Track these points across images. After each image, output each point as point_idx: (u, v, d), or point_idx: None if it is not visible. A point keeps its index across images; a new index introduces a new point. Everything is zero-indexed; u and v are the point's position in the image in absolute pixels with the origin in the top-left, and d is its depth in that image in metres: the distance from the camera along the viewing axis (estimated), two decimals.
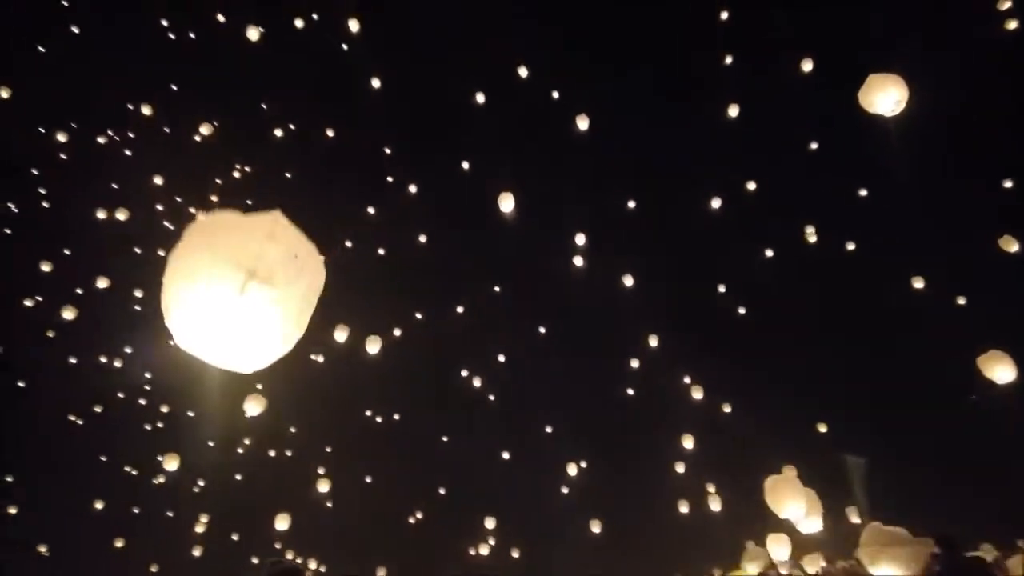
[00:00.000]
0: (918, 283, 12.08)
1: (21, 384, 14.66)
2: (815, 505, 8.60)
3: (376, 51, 12.78)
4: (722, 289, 14.53)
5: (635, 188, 14.38)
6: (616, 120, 13.97)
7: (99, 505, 14.58)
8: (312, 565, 14.80)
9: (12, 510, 14.27)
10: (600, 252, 14.50)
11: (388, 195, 14.43)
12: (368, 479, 15.41)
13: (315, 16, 12.56)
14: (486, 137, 13.63)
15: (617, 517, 14.45)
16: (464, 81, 13.20)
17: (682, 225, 14.31)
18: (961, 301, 12.36)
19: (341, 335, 13.71)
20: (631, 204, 14.26)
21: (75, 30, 13.60)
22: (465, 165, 14.00)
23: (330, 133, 13.86)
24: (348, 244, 14.68)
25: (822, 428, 13.61)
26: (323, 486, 14.50)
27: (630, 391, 15.03)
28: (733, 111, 12.11)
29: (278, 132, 14.04)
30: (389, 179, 14.71)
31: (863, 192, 13.46)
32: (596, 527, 14.65)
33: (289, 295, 2.65)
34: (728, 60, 12.57)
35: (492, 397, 15.80)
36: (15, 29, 13.22)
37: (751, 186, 13.30)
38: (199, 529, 14.69)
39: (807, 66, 10.88)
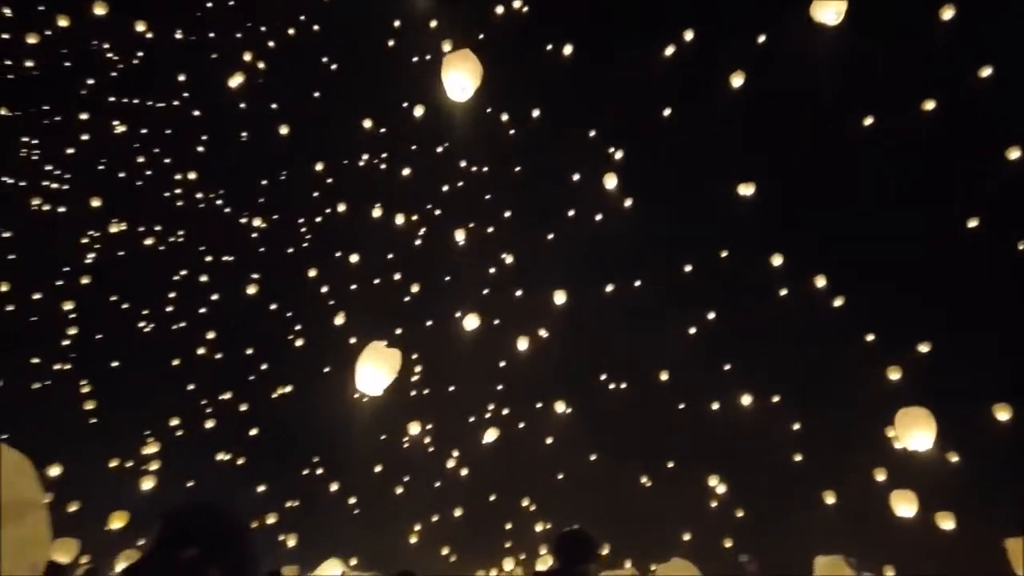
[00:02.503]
0: None
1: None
2: None
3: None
4: None
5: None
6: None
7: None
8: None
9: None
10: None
11: (595, 173, 15.54)
12: (597, 450, 15.88)
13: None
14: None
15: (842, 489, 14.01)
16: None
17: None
18: None
19: (563, 304, 14.92)
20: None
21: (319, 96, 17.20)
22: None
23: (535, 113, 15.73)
24: (570, 213, 16.30)
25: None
26: (558, 456, 15.44)
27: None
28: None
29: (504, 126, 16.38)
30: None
31: None
32: (830, 498, 14.26)
33: None
34: None
35: (727, 365, 15.77)
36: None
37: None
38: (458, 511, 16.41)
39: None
